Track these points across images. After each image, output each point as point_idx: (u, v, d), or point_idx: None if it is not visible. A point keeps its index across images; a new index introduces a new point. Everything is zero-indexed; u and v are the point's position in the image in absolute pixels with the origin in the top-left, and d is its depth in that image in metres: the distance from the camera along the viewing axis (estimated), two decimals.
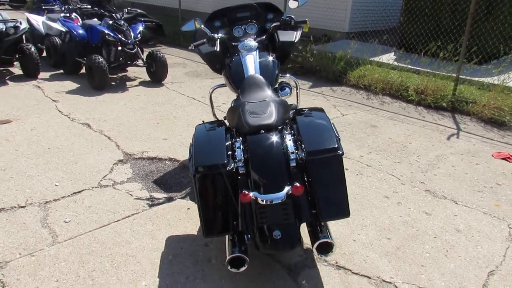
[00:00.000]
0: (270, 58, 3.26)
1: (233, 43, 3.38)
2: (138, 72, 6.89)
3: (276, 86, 3.44)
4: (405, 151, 4.16)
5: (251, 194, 2.11)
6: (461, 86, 5.87)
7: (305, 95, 6.11)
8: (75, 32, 6.16)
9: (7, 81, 6.05)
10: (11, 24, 5.86)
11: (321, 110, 2.68)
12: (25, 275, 2.25)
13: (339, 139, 2.40)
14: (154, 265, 2.38)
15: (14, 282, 2.20)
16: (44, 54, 7.14)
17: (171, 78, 6.68)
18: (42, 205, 2.93)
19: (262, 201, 2.12)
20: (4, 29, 5.76)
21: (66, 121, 4.57)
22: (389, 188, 3.39)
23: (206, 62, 3.50)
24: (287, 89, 3.43)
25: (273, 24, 3.43)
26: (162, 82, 6.40)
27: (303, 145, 2.28)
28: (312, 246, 2.15)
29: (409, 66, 6.79)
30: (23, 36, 6.31)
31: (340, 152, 2.22)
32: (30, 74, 6.22)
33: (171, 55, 8.54)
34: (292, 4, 3.44)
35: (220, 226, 2.21)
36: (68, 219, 2.77)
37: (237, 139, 2.39)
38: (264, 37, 3.45)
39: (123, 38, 5.93)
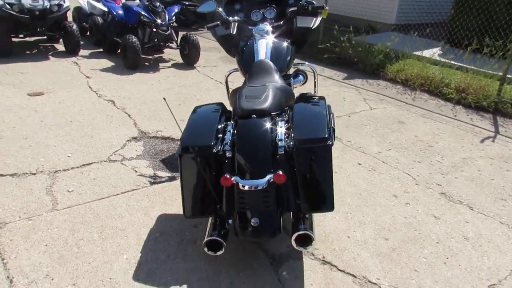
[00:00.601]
0: (284, 44, 3.17)
1: (250, 27, 3.33)
2: (173, 54, 6.99)
3: (290, 72, 3.35)
4: (429, 151, 3.92)
5: (233, 178, 2.07)
6: (507, 87, 5.44)
7: (337, 86, 5.92)
8: (114, 12, 6.34)
9: (50, 56, 6.36)
10: (55, 2, 6.13)
11: (321, 98, 2.57)
12: (18, 237, 2.36)
13: (334, 129, 2.29)
14: (140, 240, 2.41)
15: (8, 243, 2.32)
16: (89, 32, 7.44)
17: (204, 61, 6.72)
18: (51, 173, 3.06)
19: (243, 186, 2.07)
20: (48, 7, 6.03)
21: (93, 97, 4.74)
22: (400, 187, 3.21)
23: (221, 45, 3.47)
24: (300, 76, 3.33)
25: (291, 9, 3.32)
26: (194, 65, 6.45)
27: (292, 133, 2.20)
28: (291, 237, 2.09)
29: (453, 62, 6.38)
30: (67, 14, 6.57)
31: (330, 143, 2.11)
32: (71, 50, 6.49)
33: (210, 39, 8.57)
34: None
35: (200, 208, 2.19)
36: (71, 189, 2.88)
37: (229, 123, 2.35)
38: (281, 22, 3.36)
39: (157, 20, 6.02)
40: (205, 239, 2.12)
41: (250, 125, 2.23)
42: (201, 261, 2.29)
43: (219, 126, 2.32)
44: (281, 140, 2.18)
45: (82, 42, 7.15)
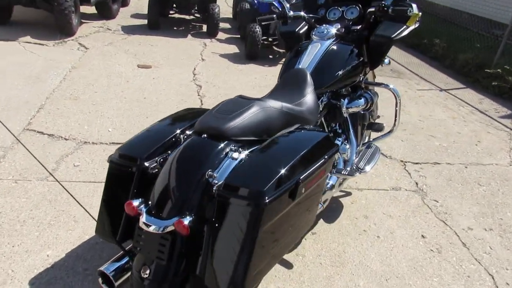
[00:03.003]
0: (345, 54, 2.43)
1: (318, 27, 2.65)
2: None
3: (344, 91, 2.56)
4: None
5: (139, 208, 1.59)
6: None
7: (481, 124, 4.50)
8: (250, 0, 6.22)
9: (189, 35, 6.67)
10: None
11: (326, 137, 1.82)
12: None
13: (298, 183, 1.55)
14: (81, 238, 2.16)
15: None
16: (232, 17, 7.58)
17: None
18: (79, 144, 3.07)
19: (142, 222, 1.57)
20: None
21: (188, 79, 4.70)
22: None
23: (282, 42, 2.87)
24: (361, 100, 2.51)
25: (369, 10, 2.51)
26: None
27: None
28: None
29: None
30: None
31: (264, 201, 1.41)
32: (209, 32, 6.68)
33: None
34: None
35: (110, 229, 1.78)
36: (77, 164, 2.81)
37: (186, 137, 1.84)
38: (359, 26, 2.58)
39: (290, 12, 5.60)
40: (100, 268, 1.71)
41: (189, 145, 1.68)
42: None
43: (172, 140, 1.83)
44: (212, 177, 1.57)
45: (230, 26, 7.32)
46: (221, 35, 6.83)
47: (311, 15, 2.73)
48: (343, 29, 2.61)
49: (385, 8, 2.41)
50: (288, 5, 2.72)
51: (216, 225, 1.49)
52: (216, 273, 1.49)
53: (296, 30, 2.67)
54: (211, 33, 6.67)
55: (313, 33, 2.54)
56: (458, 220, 2.76)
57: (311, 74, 2.31)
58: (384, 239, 2.49)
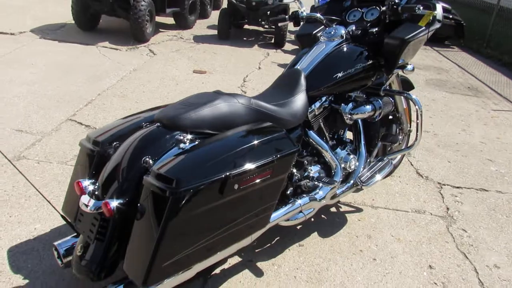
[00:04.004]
0: (352, 56, 2.27)
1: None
2: None
3: (355, 96, 2.38)
4: None
5: (84, 185, 1.64)
6: None
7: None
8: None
9: (256, 45, 6.77)
10: None
11: (281, 137, 1.71)
12: None
13: (227, 178, 1.46)
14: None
15: None
16: None
17: None
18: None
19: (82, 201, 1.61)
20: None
21: (235, 85, 4.76)
22: None
23: (298, 44, 2.78)
24: (368, 107, 2.32)
25: (382, 9, 2.32)
26: None
27: None
28: None
29: None
30: (288, 7, 6.75)
31: (178, 190, 1.36)
32: (276, 43, 6.73)
33: (455, 60, 7.14)
34: None
35: (71, 209, 1.85)
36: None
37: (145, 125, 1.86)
38: (375, 29, 2.40)
39: None
40: (55, 242, 1.79)
41: (141, 133, 1.70)
42: None
43: (136, 128, 1.86)
44: (146, 164, 1.56)
45: None
46: (288, 46, 6.83)
47: (327, 16, 2.60)
48: (359, 31, 2.43)
49: (395, 7, 2.20)
50: (302, 6, 2.63)
51: (139, 210, 1.47)
52: (129, 260, 1.47)
53: (314, 32, 2.56)
54: (278, 44, 6.71)
55: (321, 34, 2.42)
56: (484, 255, 2.35)
57: (309, 75, 2.20)
58: (380, 263, 2.22)
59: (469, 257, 2.33)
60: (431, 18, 2.20)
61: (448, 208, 2.77)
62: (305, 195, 2.10)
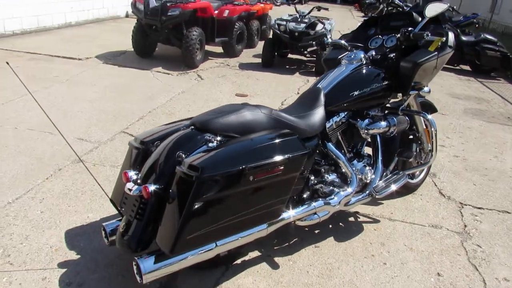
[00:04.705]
0: (369, 78, 2.54)
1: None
2: None
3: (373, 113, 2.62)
4: None
5: (130, 175, 2.01)
6: None
7: None
8: None
9: (297, 72, 7.14)
10: (319, 27, 6.82)
11: (293, 140, 1.99)
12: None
13: (243, 169, 1.76)
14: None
15: None
16: None
17: (445, 109, 5.72)
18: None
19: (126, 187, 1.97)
20: (305, 30, 6.78)
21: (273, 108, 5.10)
22: None
23: (325, 67, 3.09)
24: (383, 123, 2.56)
25: (397, 36, 2.59)
26: None
27: None
28: None
29: None
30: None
31: (201, 176, 1.68)
32: (317, 71, 7.06)
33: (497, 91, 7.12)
34: (429, 12, 2.46)
35: (118, 197, 2.21)
36: None
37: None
38: (392, 55, 2.66)
39: None
40: (104, 223, 2.14)
41: (178, 134, 2.06)
42: None
43: (175, 130, 2.21)
44: (179, 157, 1.90)
45: None
46: None
47: (352, 43, 2.88)
48: (378, 56, 2.70)
49: (407, 34, 2.45)
50: (329, 34, 2.95)
51: (170, 195, 1.80)
52: (160, 234, 1.79)
53: (338, 57, 2.84)
54: (319, 72, 7.02)
55: (343, 57, 2.70)
56: (495, 269, 2.44)
57: (328, 93, 2.48)
58: (390, 267, 2.38)
59: (479, 269, 2.43)
60: (439, 43, 2.43)
61: (465, 225, 2.87)
62: (320, 199, 2.35)
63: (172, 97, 5.13)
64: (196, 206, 1.70)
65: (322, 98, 2.44)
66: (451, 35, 2.53)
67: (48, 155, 3.34)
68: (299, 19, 7.04)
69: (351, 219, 2.84)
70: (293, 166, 1.98)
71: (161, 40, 6.67)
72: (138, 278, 1.80)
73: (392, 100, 2.79)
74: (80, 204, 2.72)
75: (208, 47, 7.45)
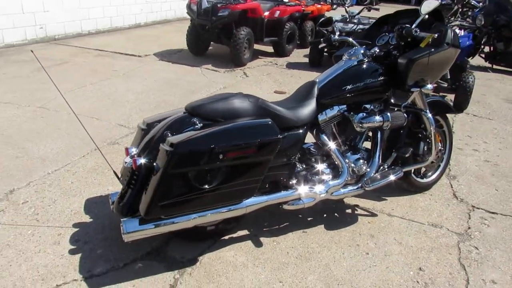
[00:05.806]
0: (365, 73, 2.64)
1: None
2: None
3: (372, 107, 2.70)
4: None
5: (130, 151, 2.32)
6: None
7: None
8: None
9: None
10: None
11: (266, 125, 2.16)
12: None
13: (213, 148, 1.97)
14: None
15: None
16: None
17: (493, 114, 5.43)
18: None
19: (124, 160, 2.28)
20: (349, 30, 6.77)
21: None
22: None
23: (334, 63, 3.19)
24: (377, 117, 2.64)
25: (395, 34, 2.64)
26: (463, 110, 5.41)
27: None
28: None
29: None
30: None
31: (174, 150, 1.93)
32: None
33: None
34: (424, 9, 2.49)
35: (121, 171, 2.53)
36: None
37: None
38: (395, 52, 2.73)
39: None
40: (109, 193, 2.49)
41: (171, 117, 2.33)
42: None
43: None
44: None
45: None
46: None
47: (359, 40, 2.96)
48: (382, 53, 2.76)
49: (401, 31, 2.50)
50: (337, 31, 3.05)
51: (155, 168, 2.07)
52: (142, 201, 2.07)
53: (343, 53, 2.95)
54: None
55: (344, 54, 2.80)
56: (485, 271, 2.40)
57: (323, 86, 2.62)
58: (371, 257, 2.44)
59: (467, 269, 2.40)
60: (430, 40, 2.43)
61: (469, 228, 2.81)
62: (307, 186, 2.48)
63: (213, 92, 5.46)
64: (169, 177, 1.95)
65: (315, 91, 2.57)
66: (449, 32, 2.52)
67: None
68: (347, 19, 7.05)
69: (349, 211, 2.91)
70: (265, 150, 2.14)
71: (212, 39, 7.07)
72: (123, 237, 2.09)
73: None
74: (105, 179, 3.12)
75: (260, 47, 7.72)
